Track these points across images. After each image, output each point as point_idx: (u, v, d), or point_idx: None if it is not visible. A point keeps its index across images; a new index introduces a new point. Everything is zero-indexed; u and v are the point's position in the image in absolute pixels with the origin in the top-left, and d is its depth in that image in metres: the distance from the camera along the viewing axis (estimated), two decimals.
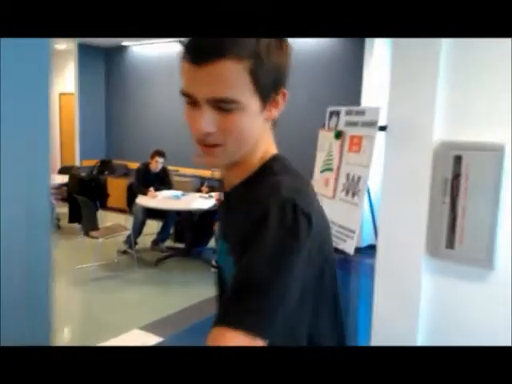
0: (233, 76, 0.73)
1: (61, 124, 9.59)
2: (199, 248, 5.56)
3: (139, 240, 5.52)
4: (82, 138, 8.80)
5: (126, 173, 8.73)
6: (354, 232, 2.49)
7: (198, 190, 6.98)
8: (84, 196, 6.40)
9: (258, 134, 0.82)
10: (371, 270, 2.19)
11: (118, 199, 7.71)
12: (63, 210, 6.69)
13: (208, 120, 0.75)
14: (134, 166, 8.66)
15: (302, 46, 5.84)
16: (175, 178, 7.44)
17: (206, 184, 7.29)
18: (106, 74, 8.92)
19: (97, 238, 4.47)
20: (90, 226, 4.50)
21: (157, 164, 5.53)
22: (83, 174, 6.38)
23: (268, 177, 0.81)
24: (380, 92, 4.56)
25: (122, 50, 8.56)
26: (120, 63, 8.72)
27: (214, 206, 4.82)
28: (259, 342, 0.68)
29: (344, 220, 2.58)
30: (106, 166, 8.79)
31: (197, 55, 0.74)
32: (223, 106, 0.75)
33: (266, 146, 0.86)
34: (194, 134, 0.79)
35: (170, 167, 6.40)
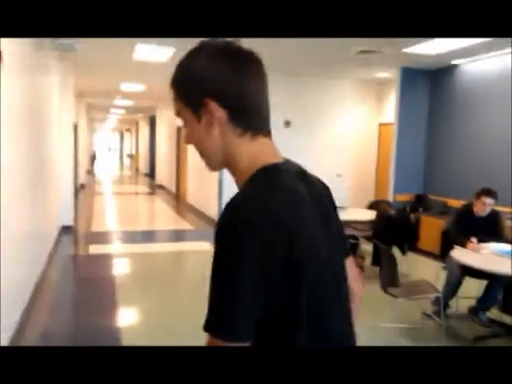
0: (172, 94, 0.96)
1: (378, 155, 9.20)
2: None
3: (452, 303, 4.29)
4: (398, 170, 8.09)
5: (444, 211, 7.49)
6: None
7: None
8: (391, 236, 5.67)
9: (219, 144, 0.93)
10: None
11: (432, 241, 6.59)
12: (368, 247, 6.08)
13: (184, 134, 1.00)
14: (455, 203, 7.39)
15: None
16: (509, 224, 5.77)
17: None
18: (429, 100, 7.98)
19: (396, 297, 3.56)
20: (388, 281, 3.65)
21: (484, 207, 4.20)
22: (392, 212, 5.62)
23: (243, 187, 0.92)
24: None
25: (450, 69, 7.45)
26: (447, 85, 7.61)
27: None
28: (229, 342, 0.82)
29: None
30: (421, 201, 7.80)
31: None
32: (180, 120, 0.97)
33: (258, 158, 0.93)
34: None
35: (502, 208, 4.89)
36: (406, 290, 3.66)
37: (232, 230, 0.81)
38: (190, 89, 0.91)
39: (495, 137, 6.61)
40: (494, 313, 4.25)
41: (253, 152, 0.93)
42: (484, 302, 4.17)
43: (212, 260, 0.82)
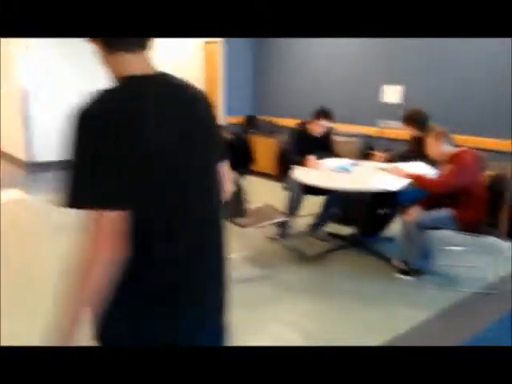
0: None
1: (206, 77, 8.74)
2: (372, 237, 4.16)
3: (295, 222, 4.33)
4: (228, 92, 7.82)
5: (275, 130, 7.59)
6: None
7: (366, 155, 5.50)
8: (231, 161, 5.44)
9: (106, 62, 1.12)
10: None
11: (266, 162, 6.63)
12: None
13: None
14: (283, 122, 7.52)
15: None
16: (334, 138, 6.04)
17: (374, 149, 5.74)
18: None
19: (244, 227, 3.35)
20: (235, 211, 3.41)
21: (320, 128, 4.17)
22: (230, 136, 5.36)
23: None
24: None
25: None
26: None
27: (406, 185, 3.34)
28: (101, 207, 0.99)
29: None
30: (251, 123, 7.74)
31: None
32: None
33: (125, 70, 1.09)
34: None
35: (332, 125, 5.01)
36: (253, 219, 3.48)
37: (79, 122, 1.01)
38: None
39: (319, 57, 6.72)
40: (333, 227, 4.43)
41: (120, 66, 1.10)
42: (322, 218, 4.28)
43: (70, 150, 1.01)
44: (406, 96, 5.65)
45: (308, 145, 4.24)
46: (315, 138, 4.27)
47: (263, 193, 5.93)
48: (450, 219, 3.20)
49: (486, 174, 3.36)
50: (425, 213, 3.27)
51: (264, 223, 3.44)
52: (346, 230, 4.37)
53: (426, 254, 3.37)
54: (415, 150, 3.98)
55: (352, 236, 4.10)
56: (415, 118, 3.86)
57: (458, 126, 4.78)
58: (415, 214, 3.27)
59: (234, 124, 7.74)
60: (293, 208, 4.12)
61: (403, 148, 4.72)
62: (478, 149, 3.63)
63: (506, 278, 3.43)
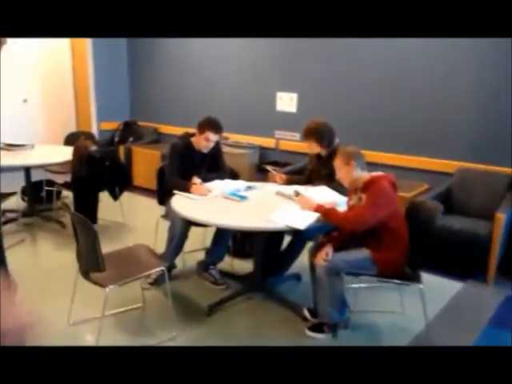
0: None
1: (74, 77, 7.43)
2: (275, 277, 3.44)
3: (178, 260, 3.45)
4: (99, 94, 6.66)
5: (158, 139, 6.61)
6: None
7: (262, 170, 4.82)
8: (97, 179, 4.39)
9: None
10: None
11: (148, 176, 5.64)
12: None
13: None
14: (168, 130, 6.58)
15: None
16: (224, 149, 5.27)
17: (270, 163, 5.09)
18: None
19: (103, 286, 2.39)
20: (90, 264, 2.44)
21: (208, 143, 3.34)
22: (93, 148, 4.29)
23: None
24: None
25: None
26: None
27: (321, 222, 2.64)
28: None
29: None
30: (130, 129, 6.67)
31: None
32: None
33: None
34: None
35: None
36: (116, 270, 2.53)
37: None
38: None
39: (208, 59, 5.90)
40: (226, 263, 3.62)
41: None
42: (214, 254, 3.46)
43: None
44: (300, 105, 5.07)
45: (192, 163, 3.39)
46: (201, 155, 3.43)
47: (142, 215, 4.97)
48: (369, 262, 2.57)
49: (400, 201, 2.80)
50: (338, 255, 2.60)
51: (133, 277, 2.51)
52: (244, 266, 3.60)
53: (341, 304, 2.71)
54: (316, 170, 3.34)
55: (251, 277, 3.33)
56: (319, 133, 3.22)
57: (357, 140, 4.28)
58: (326, 256, 2.59)
59: (110, 131, 6.62)
60: (174, 244, 3.24)
61: (302, 163, 4.09)
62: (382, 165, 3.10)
63: (437, 323, 2.90)
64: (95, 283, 2.44)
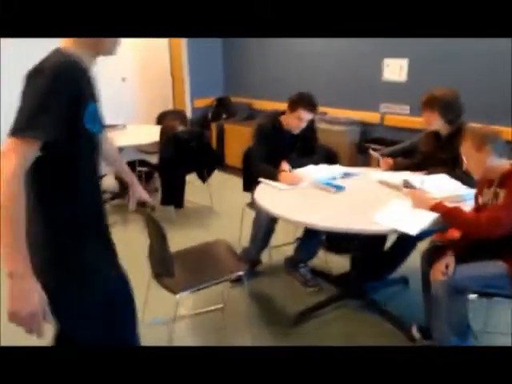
0: None
1: (171, 52, 7.31)
2: (377, 280, 2.90)
3: (264, 255, 3.07)
4: (193, 69, 6.44)
5: (251, 115, 6.25)
6: None
7: (363, 150, 4.25)
8: (184, 161, 4.14)
9: None
10: None
11: (240, 154, 5.30)
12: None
13: None
14: (263, 105, 6.18)
15: None
16: (320, 126, 4.73)
17: (372, 148, 4.48)
18: None
19: (173, 292, 2.08)
20: (160, 268, 2.15)
21: (299, 122, 2.86)
22: (180, 129, 4.03)
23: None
24: None
25: None
26: None
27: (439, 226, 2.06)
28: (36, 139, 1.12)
29: None
30: (223, 106, 6.39)
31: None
32: None
33: None
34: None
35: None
36: (189, 273, 2.20)
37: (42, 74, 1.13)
38: None
39: None
40: (318, 260, 3.17)
41: None
42: (304, 250, 3.02)
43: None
44: (411, 73, 4.33)
45: (281, 146, 2.95)
46: (292, 136, 2.97)
47: (231, 198, 4.65)
48: (505, 280, 1.94)
49: None
50: (462, 268, 2.01)
51: (206, 284, 2.16)
52: (340, 263, 3.12)
53: (464, 328, 2.12)
54: (433, 153, 2.69)
55: (347, 279, 2.83)
56: (446, 104, 2.54)
57: (481, 117, 3.50)
58: (446, 269, 2.00)
59: (204, 108, 6.40)
60: (259, 238, 2.86)
61: (410, 142, 3.43)
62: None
63: None
64: (166, 287, 2.14)
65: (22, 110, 1.13)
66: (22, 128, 1.11)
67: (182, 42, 6.31)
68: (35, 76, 1.14)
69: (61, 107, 1.13)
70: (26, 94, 1.14)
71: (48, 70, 1.13)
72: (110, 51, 1.31)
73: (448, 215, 2.00)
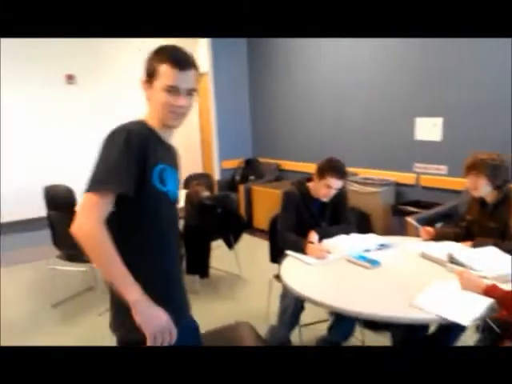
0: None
1: (200, 113, 7.41)
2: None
3: (294, 334, 2.79)
4: (221, 131, 6.45)
5: (279, 177, 6.12)
6: None
7: (398, 212, 4.00)
8: (208, 227, 3.98)
9: None
10: None
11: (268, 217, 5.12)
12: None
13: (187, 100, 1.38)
14: (291, 166, 6.06)
15: None
16: (353, 188, 4.53)
17: (409, 211, 4.23)
18: (247, 49, 6.38)
19: None
20: None
21: (328, 190, 2.67)
22: (204, 195, 3.90)
23: None
24: None
25: None
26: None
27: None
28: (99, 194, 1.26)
29: None
30: (251, 167, 6.32)
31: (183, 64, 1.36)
32: (192, 92, 1.39)
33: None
34: (171, 108, 1.37)
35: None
36: None
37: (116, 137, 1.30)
38: None
39: (326, 90, 5.30)
40: (356, 337, 2.86)
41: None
42: (339, 329, 2.72)
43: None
44: (446, 132, 4.12)
45: (309, 215, 2.74)
46: (321, 204, 2.77)
47: (260, 264, 4.37)
48: None
49: None
50: None
51: None
52: (379, 342, 2.80)
53: None
54: (479, 221, 2.42)
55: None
56: (494, 168, 2.31)
57: None
58: None
59: (232, 169, 6.33)
60: (288, 315, 2.60)
61: (450, 205, 3.14)
62: None
63: None
64: None
65: (97, 168, 1.28)
66: (98, 182, 1.27)
67: (211, 104, 6.37)
68: (111, 138, 1.31)
69: (130, 165, 1.27)
70: (101, 154, 1.30)
71: (121, 134, 1.30)
72: (163, 121, 1.40)
73: (505, 300, 1.71)
